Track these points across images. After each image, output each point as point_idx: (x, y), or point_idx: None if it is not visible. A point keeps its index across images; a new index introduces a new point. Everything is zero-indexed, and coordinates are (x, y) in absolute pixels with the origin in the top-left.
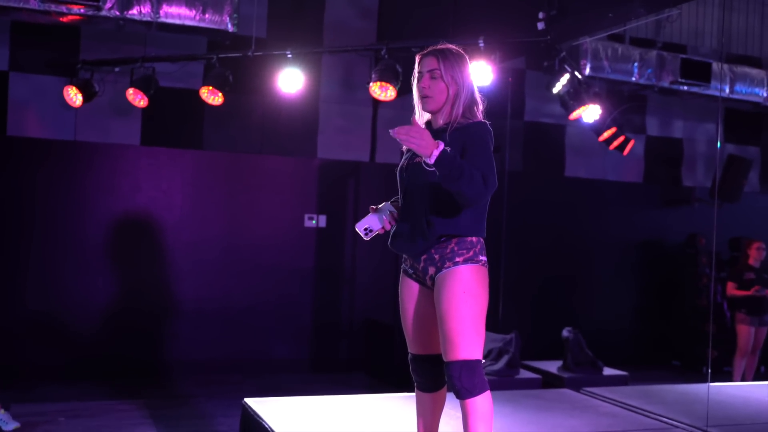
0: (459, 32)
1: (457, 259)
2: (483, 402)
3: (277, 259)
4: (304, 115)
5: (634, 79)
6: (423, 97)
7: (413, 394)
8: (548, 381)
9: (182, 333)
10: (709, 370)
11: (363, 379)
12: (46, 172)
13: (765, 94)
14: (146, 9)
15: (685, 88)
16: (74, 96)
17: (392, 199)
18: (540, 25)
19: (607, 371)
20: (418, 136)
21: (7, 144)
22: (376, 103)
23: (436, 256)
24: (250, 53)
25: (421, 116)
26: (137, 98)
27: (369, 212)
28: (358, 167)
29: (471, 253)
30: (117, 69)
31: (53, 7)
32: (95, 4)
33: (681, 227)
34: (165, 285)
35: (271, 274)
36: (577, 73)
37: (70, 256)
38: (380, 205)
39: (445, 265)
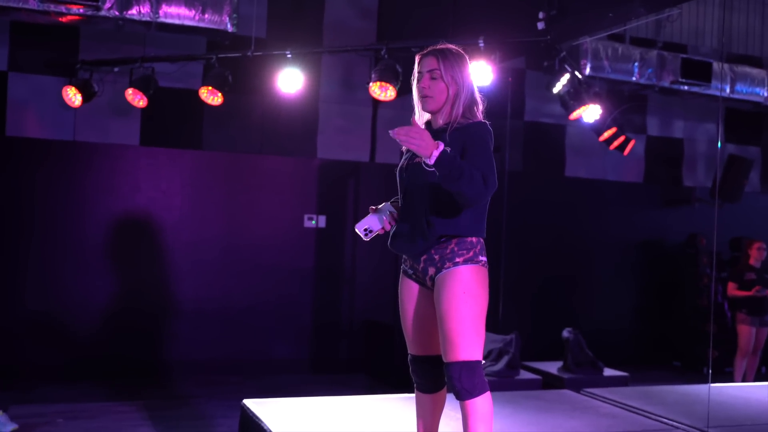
0: (459, 32)
1: (457, 260)
2: (483, 403)
3: (277, 259)
4: (303, 115)
5: (634, 78)
6: (423, 97)
7: (413, 395)
8: (548, 382)
9: (182, 333)
10: (710, 371)
11: (363, 379)
12: (46, 173)
13: (766, 94)
14: (145, 9)
15: (686, 87)
16: (73, 96)
17: (392, 200)
18: (540, 25)
19: (608, 372)
20: (418, 136)
21: (6, 144)
22: (376, 103)
23: (436, 257)
24: (249, 53)
25: (421, 116)
26: (136, 98)
27: (369, 213)
28: (357, 167)
29: (471, 253)
30: (116, 69)
31: (52, 7)
32: (94, 4)
33: (681, 227)
34: (165, 285)
35: (271, 274)
36: (577, 73)
37: (69, 256)
38: (380, 206)
39: (445, 266)
